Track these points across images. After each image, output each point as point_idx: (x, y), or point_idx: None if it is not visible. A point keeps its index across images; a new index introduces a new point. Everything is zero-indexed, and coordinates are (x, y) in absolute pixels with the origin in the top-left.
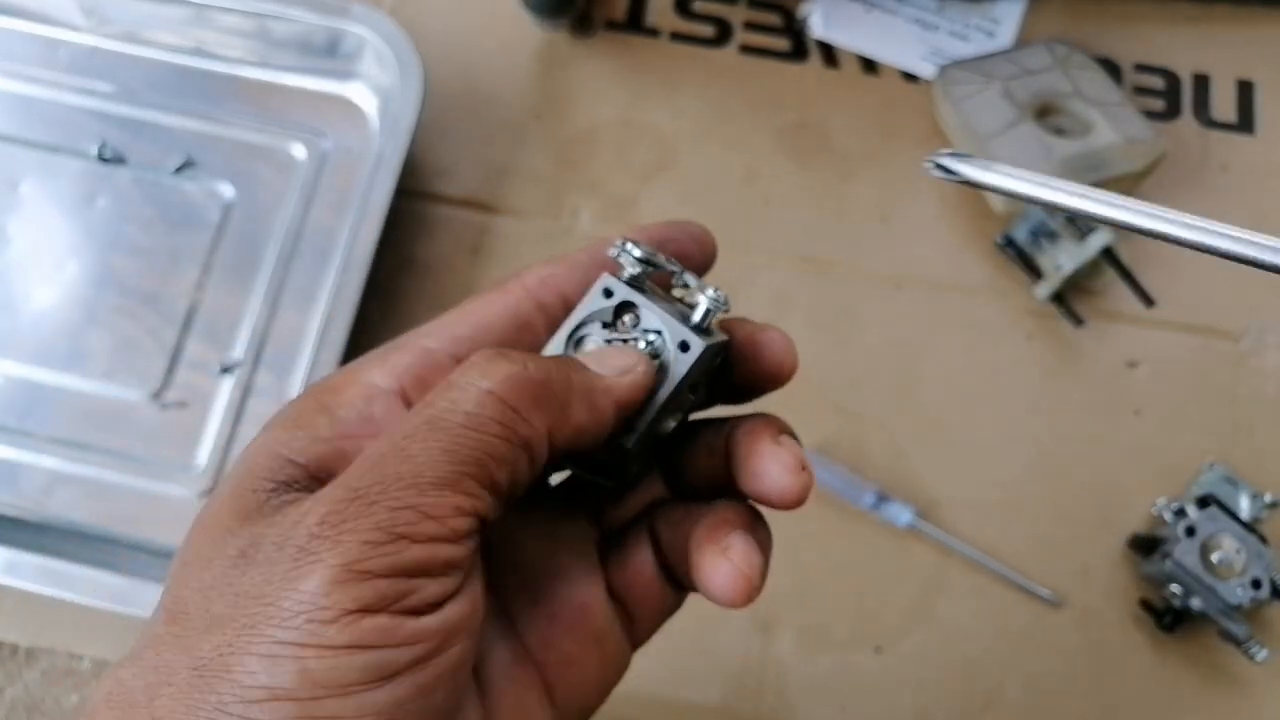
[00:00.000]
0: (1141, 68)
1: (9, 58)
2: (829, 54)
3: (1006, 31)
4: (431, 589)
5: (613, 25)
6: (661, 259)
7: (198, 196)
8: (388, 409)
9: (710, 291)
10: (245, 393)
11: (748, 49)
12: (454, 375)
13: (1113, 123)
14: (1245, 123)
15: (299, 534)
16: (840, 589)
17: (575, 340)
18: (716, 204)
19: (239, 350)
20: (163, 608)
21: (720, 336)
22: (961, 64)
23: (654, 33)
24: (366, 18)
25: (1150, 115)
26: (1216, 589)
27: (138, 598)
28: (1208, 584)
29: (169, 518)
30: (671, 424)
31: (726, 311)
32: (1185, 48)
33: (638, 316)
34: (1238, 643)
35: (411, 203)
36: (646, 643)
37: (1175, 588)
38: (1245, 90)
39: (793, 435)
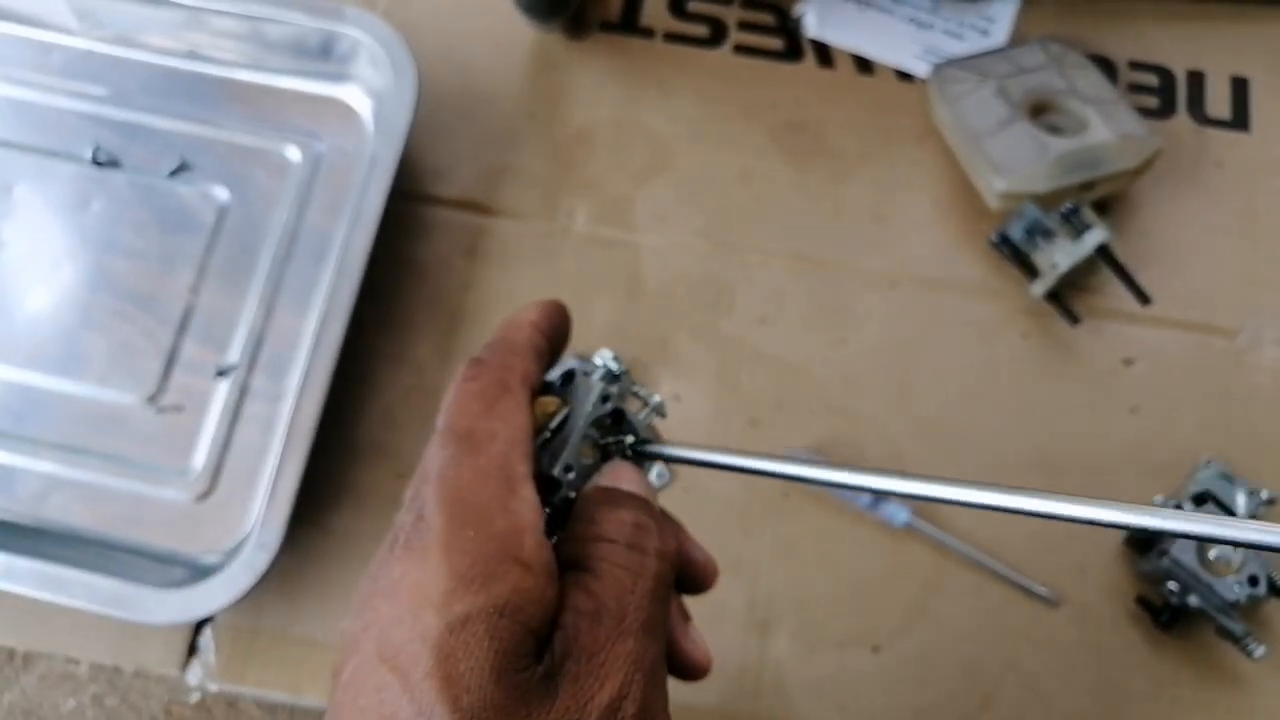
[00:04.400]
0: (1136, 65)
1: (2, 62)
2: (823, 53)
3: (1001, 30)
4: None
5: (607, 26)
6: (625, 369)
7: (192, 199)
8: (550, 551)
9: (656, 397)
10: (241, 395)
11: (742, 49)
12: (634, 533)
13: (1107, 120)
14: (1240, 120)
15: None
16: (837, 589)
17: (583, 437)
18: (712, 204)
19: (235, 353)
20: None
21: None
22: (956, 63)
23: (648, 33)
24: (360, 20)
25: (1145, 113)
26: (1214, 586)
27: (134, 602)
28: (1205, 581)
29: (165, 522)
30: None
31: (664, 417)
32: (1180, 45)
33: (619, 425)
34: (1235, 640)
35: (406, 204)
36: None
37: (1172, 585)
38: (1240, 87)
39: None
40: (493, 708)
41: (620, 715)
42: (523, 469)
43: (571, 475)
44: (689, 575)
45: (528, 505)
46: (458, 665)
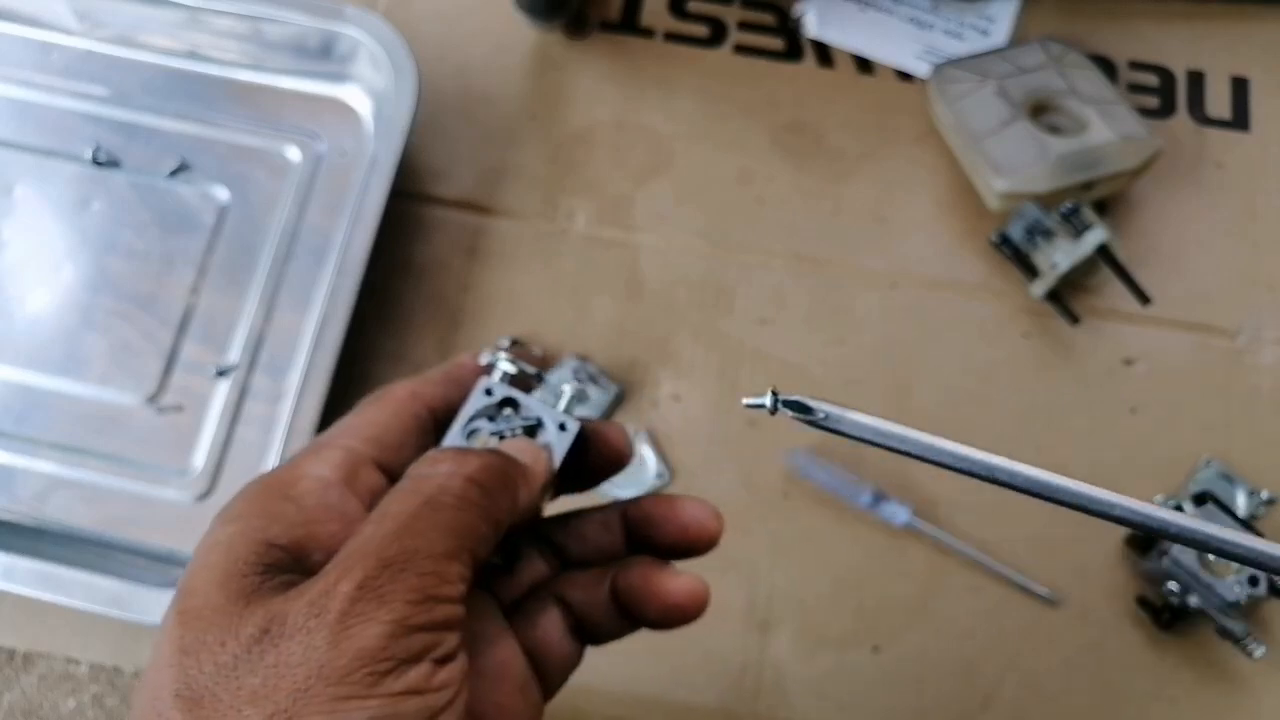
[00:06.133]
0: (1136, 65)
1: (2, 62)
2: (824, 53)
3: (1001, 30)
4: (450, 641)
5: (607, 25)
6: (524, 364)
7: (192, 199)
8: (340, 497)
9: (569, 385)
10: (241, 395)
11: (742, 49)
12: (429, 465)
13: (1108, 120)
14: (1240, 120)
15: (336, 602)
16: (838, 589)
17: (468, 433)
18: (712, 204)
19: (235, 353)
20: (175, 699)
21: (578, 423)
22: (956, 63)
23: (648, 33)
24: (360, 20)
25: (1145, 113)
26: (1214, 586)
27: (134, 602)
28: (1205, 581)
29: (165, 522)
30: (547, 501)
31: (585, 401)
32: (1180, 45)
33: (516, 410)
34: (1235, 640)
35: (406, 204)
36: (556, 693)
37: (1173, 585)
38: (1240, 87)
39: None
40: (210, 608)
41: (334, 593)
42: (345, 441)
43: None
44: (602, 454)
45: (321, 462)
46: (193, 579)
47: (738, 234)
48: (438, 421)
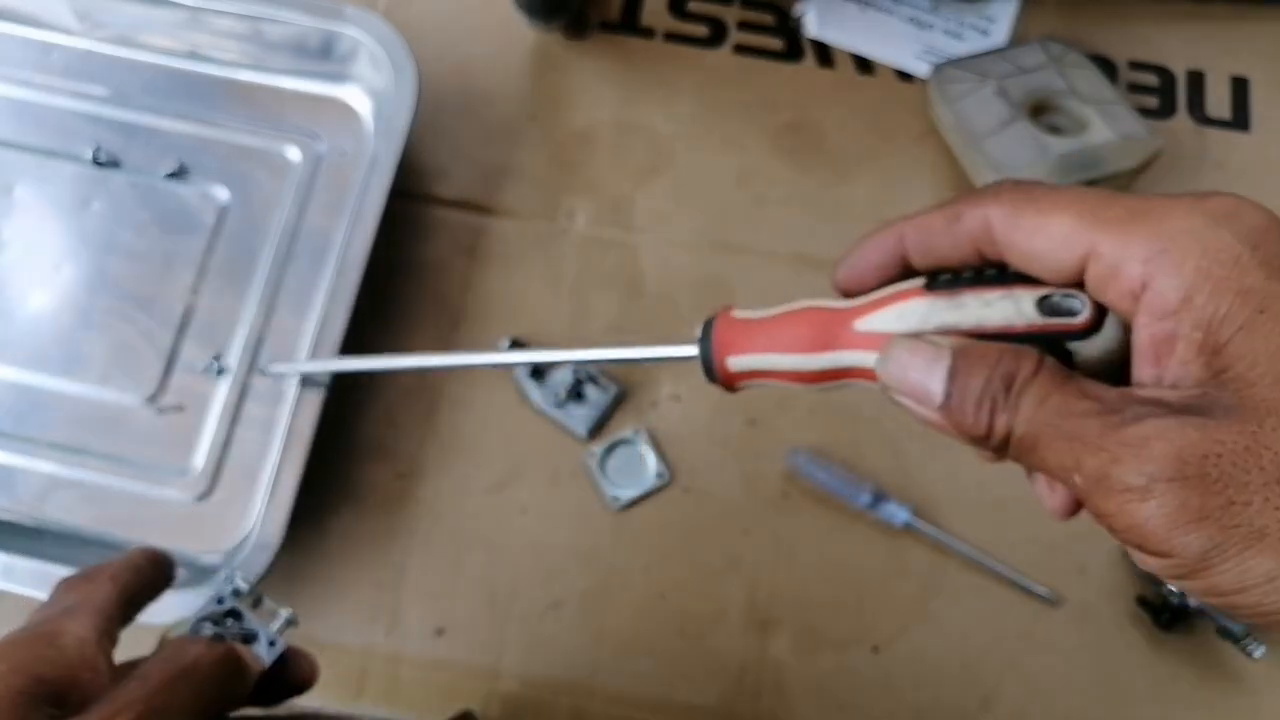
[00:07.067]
0: (1136, 65)
1: (2, 62)
2: (824, 54)
3: (1001, 30)
4: None
5: (607, 26)
6: (253, 587)
7: (192, 200)
8: (94, 653)
9: (285, 611)
10: (241, 396)
11: (742, 49)
12: (185, 646)
13: (1108, 120)
14: (1240, 120)
15: None
16: (837, 589)
17: (194, 631)
18: (712, 204)
19: (235, 353)
20: None
21: (285, 644)
22: (956, 63)
23: (648, 33)
24: (360, 20)
25: (1145, 113)
26: None
27: None
28: None
29: (165, 522)
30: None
31: (296, 626)
32: (1180, 45)
33: (239, 620)
34: (1235, 640)
35: (407, 205)
36: None
37: (1173, 585)
38: (1240, 87)
39: None
40: None
41: None
42: (92, 610)
43: None
44: (292, 677)
45: (77, 623)
46: None
47: (737, 235)
48: (128, 603)
